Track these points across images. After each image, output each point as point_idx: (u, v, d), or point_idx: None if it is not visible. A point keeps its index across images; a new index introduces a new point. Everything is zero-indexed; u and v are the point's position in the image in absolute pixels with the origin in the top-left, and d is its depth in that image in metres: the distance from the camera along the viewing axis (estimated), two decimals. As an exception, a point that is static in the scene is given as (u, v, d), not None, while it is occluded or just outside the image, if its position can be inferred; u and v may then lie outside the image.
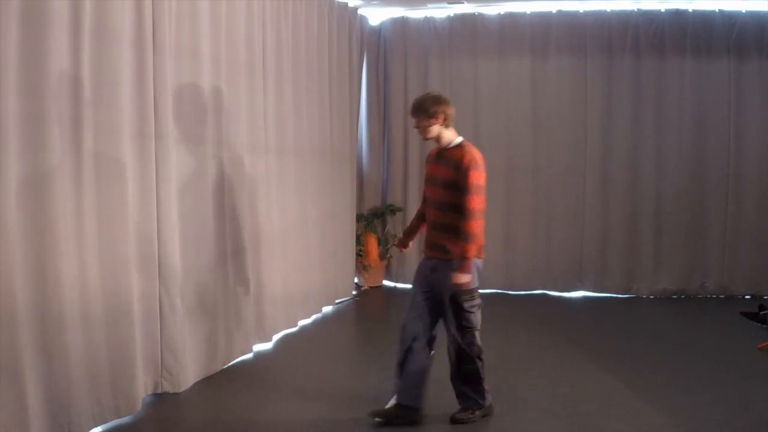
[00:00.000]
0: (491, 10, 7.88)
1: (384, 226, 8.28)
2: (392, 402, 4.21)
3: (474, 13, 7.93)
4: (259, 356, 5.53)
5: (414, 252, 7.96)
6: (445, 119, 4.02)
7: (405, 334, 4.13)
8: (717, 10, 7.48)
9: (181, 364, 4.57)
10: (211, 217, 4.99)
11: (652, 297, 7.68)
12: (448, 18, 8.03)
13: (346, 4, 7.41)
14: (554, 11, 7.75)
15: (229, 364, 5.21)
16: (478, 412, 4.21)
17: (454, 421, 4.19)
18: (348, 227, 7.53)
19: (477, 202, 3.89)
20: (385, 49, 8.25)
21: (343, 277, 7.42)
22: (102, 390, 3.90)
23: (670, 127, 7.62)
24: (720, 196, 7.59)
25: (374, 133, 8.27)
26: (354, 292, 7.77)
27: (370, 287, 8.11)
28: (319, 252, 6.77)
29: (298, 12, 6.29)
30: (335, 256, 7.17)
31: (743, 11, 7.45)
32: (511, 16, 7.85)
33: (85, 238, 3.78)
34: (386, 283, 8.28)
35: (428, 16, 8.07)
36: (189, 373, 4.68)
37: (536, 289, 7.96)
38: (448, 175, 3.98)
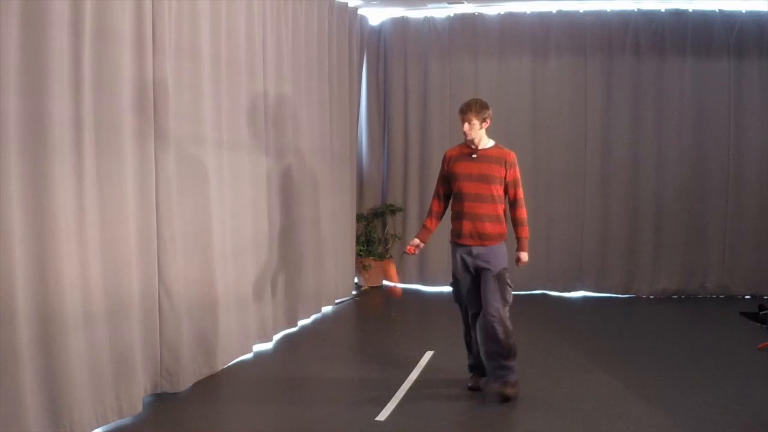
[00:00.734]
0: (491, 10, 7.88)
1: (384, 226, 8.28)
2: (474, 377, 4.76)
3: (474, 13, 7.94)
4: (259, 356, 5.53)
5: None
6: (488, 124, 4.60)
7: (472, 318, 4.69)
8: (717, 10, 7.49)
9: (180, 364, 4.57)
10: (211, 217, 4.99)
11: (652, 297, 7.68)
12: (448, 18, 8.03)
13: (346, 4, 7.41)
14: (554, 11, 7.75)
15: (229, 364, 5.21)
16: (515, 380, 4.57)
17: (506, 397, 4.50)
18: (348, 227, 7.54)
19: (522, 192, 4.70)
20: (385, 49, 8.26)
21: (343, 277, 7.42)
22: (105, 390, 3.91)
23: (670, 127, 7.62)
24: (720, 196, 7.59)
25: (374, 133, 8.28)
26: (354, 292, 7.77)
27: (370, 287, 8.11)
28: (319, 252, 6.77)
29: (298, 12, 6.30)
30: (335, 256, 7.17)
31: (743, 11, 7.45)
32: (511, 16, 7.86)
33: (85, 237, 3.78)
34: (386, 283, 8.28)
35: (428, 16, 8.08)
36: (188, 373, 4.68)
37: (536, 289, 7.96)
38: (494, 171, 4.56)
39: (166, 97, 4.41)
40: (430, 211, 4.84)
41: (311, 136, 6.57)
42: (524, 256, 4.81)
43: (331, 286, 7.12)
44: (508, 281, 4.65)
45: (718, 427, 4.04)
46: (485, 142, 4.63)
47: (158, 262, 4.43)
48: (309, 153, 6.53)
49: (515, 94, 7.92)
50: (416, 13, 8.10)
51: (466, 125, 4.54)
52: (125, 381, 4.06)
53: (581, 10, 7.70)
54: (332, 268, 7.10)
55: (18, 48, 3.33)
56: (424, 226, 4.86)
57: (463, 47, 7.99)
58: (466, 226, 4.59)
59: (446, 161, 4.74)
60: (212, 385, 4.81)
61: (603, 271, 7.81)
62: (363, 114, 8.18)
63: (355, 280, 8.00)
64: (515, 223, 4.70)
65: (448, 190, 4.74)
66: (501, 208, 4.60)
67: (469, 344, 4.82)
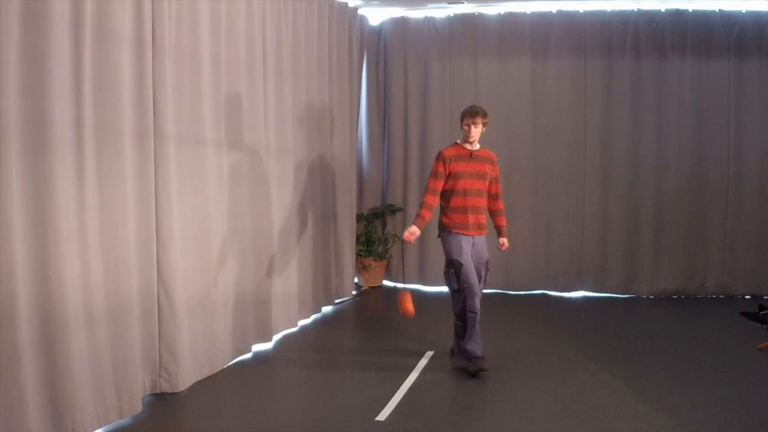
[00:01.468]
0: (491, 10, 7.89)
1: (384, 226, 8.28)
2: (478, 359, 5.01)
3: (474, 13, 7.94)
4: (259, 356, 5.54)
5: (414, 251, 8.01)
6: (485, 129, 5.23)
7: (479, 302, 5.05)
8: (717, 10, 7.49)
9: (179, 364, 4.57)
10: (211, 217, 5.00)
11: (652, 297, 7.68)
12: (448, 18, 8.03)
13: (346, 4, 7.41)
14: (554, 11, 7.75)
15: (229, 364, 5.21)
16: None
17: (481, 370, 4.95)
18: (348, 227, 7.54)
19: None
20: (385, 49, 8.26)
21: (343, 277, 7.42)
22: (106, 390, 3.91)
23: (670, 127, 7.62)
24: (720, 196, 7.59)
25: (374, 133, 8.28)
26: (354, 292, 7.77)
27: (370, 287, 8.11)
28: (319, 252, 6.77)
29: (298, 12, 6.30)
30: (335, 256, 7.18)
31: (743, 11, 7.45)
32: (511, 16, 7.86)
33: (86, 237, 3.78)
34: (386, 283, 8.28)
35: (428, 16, 8.08)
36: (187, 373, 4.68)
37: (536, 289, 7.96)
38: (487, 170, 5.18)
39: (166, 97, 4.41)
40: (428, 204, 5.12)
41: (311, 136, 6.57)
42: (507, 241, 5.47)
43: (331, 286, 7.12)
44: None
45: (718, 427, 4.04)
46: (477, 144, 5.20)
47: (158, 262, 4.43)
48: (308, 153, 6.53)
49: (515, 94, 7.92)
50: (416, 13, 8.10)
51: (473, 128, 5.07)
52: (125, 381, 4.07)
53: (581, 10, 7.70)
54: (332, 268, 7.10)
55: (18, 48, 3.33)
56: (421, 216, 5.09)
57: (463, 47, 7.99)
58: (471, 219, 5.11)
59: (446, 160, 5.12)
60: (212, 385, 4.81)
61: (603, 271, 7.81)
62: (363, 114, 8.18)
63: (355, 280, 8.00)
64: (498, 213, 5.36)
65: (442, 186, 5.13)
66: (486, 202, 5.24)
67: (473, 329, 5.02)
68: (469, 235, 5.12)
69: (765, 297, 7.28)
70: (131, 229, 4.15)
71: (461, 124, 5.13)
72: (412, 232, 5.03)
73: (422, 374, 5.04)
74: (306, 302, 6.53)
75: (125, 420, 4.05)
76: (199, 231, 4.86)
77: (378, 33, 8.26)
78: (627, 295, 7.74)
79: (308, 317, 6.62)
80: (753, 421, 4.12)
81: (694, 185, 7.62)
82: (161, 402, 4.43)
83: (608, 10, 7.65)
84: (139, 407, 4.16)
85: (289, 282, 6.16)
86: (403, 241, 5.21)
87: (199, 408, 4.42)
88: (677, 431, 4.01)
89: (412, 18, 8.13)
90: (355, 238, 7.78)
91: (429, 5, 7.84)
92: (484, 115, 5.12)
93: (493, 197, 5.30)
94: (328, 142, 6.94)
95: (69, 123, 3.65)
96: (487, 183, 5.19)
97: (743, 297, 7.56)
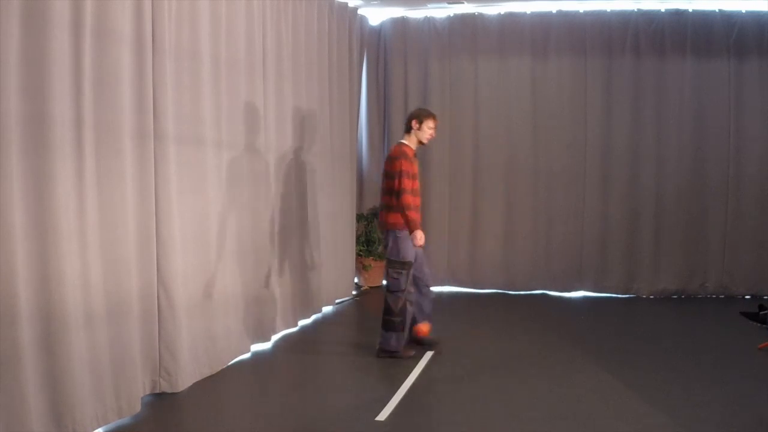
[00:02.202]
0: (491, 10, 7.88)
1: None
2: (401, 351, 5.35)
3: (474, 13, 7.94)
4: (259, 356, 5.53)
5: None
6: None
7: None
8: (717, 10, 7.49)
9: (179, 364, 4.57)
10: (211, 217, 5.00)
11: (652, 297, 7.68)
12: (448, 18, 8.03)
13: (346, 4, 7.41)
14: (554, 11, 7.75)
15: (229, 364, 5.21)
16: None
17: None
18: (348, 227, 7.54)
19: None
20: (385, 49, 8.26)
21: (343, 277, 7.42)
22: (105, 390, 3.90)
23: (670, 127, 7.62)
24: (720, 196, 7.59)
25: (374, 133, 8.27)
26: (354, 292, 7.77)
27: (370, 287, 8.11)
28: (319, 252, 6.77)
29: (298, 12, 6.29)
30: (335, 256, 7.17)
31: (743, 11, 7.45)
32: (511, 16, 7.86)
33: (86, 237, 3.78)
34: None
35: (428, 16, 8.08)
36: (187, 373, 4.67)
37: (536, 289, 7.96)
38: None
39: (165, 98, 4.41)
40: (413, 206, 5.18)
41: (311, 136, 6.57)
42: None
43: (331, 286, 7.12)
44: None
45: (718, 427, 4.04)
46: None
47: (157, 262, 4.43)
48: (309, 153, 6.53)
49: (515, 94, 7.92)
50: (416, 13, 8.10)
51: (435, 131, 5.41)
52: (125, 381, 4.06)
53: (581, 10, 7.70)
54: (332, 268, 7.10)
55: (18, 48, 3.33)
56: (415, 220, 5.17)
57: (463, 47, 7.99)
58: (419, 218, 5.30)
59: (411, 161, 5.25)
60: (211, 385, 4.80)
61: (603, 271, 7.81)
62: (363, 114, 8.18)
63: (355, 280, 8.00)
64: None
65: None
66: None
67: (407, 324, 5.38)
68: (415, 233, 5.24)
69: (765, 297, 7.28)
70: (131, 229, 4.15)
71: (420, 125, 5.28)
72: (422, 236, 5.17)
73: (422, 374, 5.04)
74: (306, 302, 6.53)
75: (125, 420, 4.05)
76: (199, 231, 4.86)
77: (378, 33, 8.25)
78: (627, 295, 7.74)
79: (308, 317, 6.62)
80: (753, 421, 4.12)
81: (694, 185, 7.62)
82: (161, 402, 4.43)
83: (608, 10, 7.65)
84: (138, 407, 4.16)
85: (289, 282, 6.16)
86: None
87: (198, 408, 4.41)
88: (677, 431, 4.01)
89: (412, 18, 8.12)
90: (355, 238, 7.78)
91: (429, 5, 7.84)
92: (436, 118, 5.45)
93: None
94: (328, 142, 6.94)
95: (69, 123, 3.65)
96: None
97: (743, 297, 7.55)
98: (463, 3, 7.63)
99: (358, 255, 7.93)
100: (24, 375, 3.34)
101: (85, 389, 3.72)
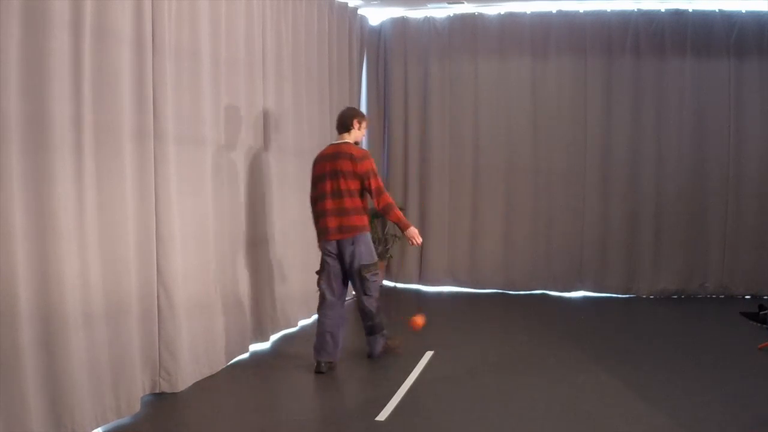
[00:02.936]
0: (491, 10, 7.89)
1: (384, 226, 8.27)
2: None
3: (474, 13, 7.94)
4: (259, 356, 5.53)
5: (414, 251, 8.00)
6: None
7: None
8: (717, 10, 7.49)
9: (178, 364, 4.57)
10: (210, 217, 4.99)
11: (652, 297, 7.68)
12: (448, 18, 8.03)
13: (346, 4, 7.41)
14: (554, 11, 7.75)
15: (228, 364, 5.21)
16: None
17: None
18: (348, 227, 7.51)
19: None
20: (385, 49, 8.26)
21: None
22: (104, 390, 3.90)
23: (670, 127, 7.62)
24: (720, 196, 7.59)
25: (374, 133, 8.27)
26: (354, 292, 7.74)
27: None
28: (319, 252, 6.74)
29: (298, 12, 6.30)
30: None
31: (743, 11, 7.45)
32: (511, 16, 7.86)
33: (86, 238, 3.78)
34: (386, 283, 8.28)
35: (428, 16, 8.08)
36: (187, 373, 4.67)
37: (536, 289, 7.96)
38: None
39: (165, 97, 4.41)
40: (395, 203, 5.30)
41: (311, 136, 6.57)
42: None
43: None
44: None
45: (718, 427, 4.03)
46: None
47: (157, 261, 4.42)
48: (309, 153, 6.50)
49: (515, 94, 7.92)
50: (416, 13, 8.10)
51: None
52: (124, 381, 4.06)
53: (581, 10, 7.70)
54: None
55: (18, 48, 3.33)
56: (404, 217, 5.32)
57: (463, 47, 7.99)
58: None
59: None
60: (211, 385, 4.80)
61: (603, 271, 7.81)
62: (363, 114, 8.17)
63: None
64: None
65: None
66: None
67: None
68: None
69: (765, 297, 7.28)
70: (131, 229, 4.14)
71: (360, 125, 5.24)
72: (417, 233, 5.27)
73: (422, 374, 5.04)
74: (306, 302, 6.52)
75: (124, 420, 4.04)
76: (198, 231, 4.85)
77: (378, 33, 8.26)
78: (627, 295, 7.74)
79: (308, 317, 6.62)
80: (753, 421, 4.12)
81: (694, 185, 7.62)
82: (160, 402, 4.43)
83: (608, 10, 7.65)
84: (138, 407, 4.16)
85: (289, 282, 6.16)
86: (403, 242, 5.25)
87: (198, 408, 4.41)
88: (677, 431, 4.01)
89: (412, 18, 8.13)
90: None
91: (429, 5, 7.84)
92: None
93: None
94: (328, 142, 6.91)
95: (69, 123, 3.65)
96: None
97: (743, 297, 7.55)
98: (463, 3, 7.63)
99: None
100: (23, 375, 3.34)
101: (84, 389, 3.72)
